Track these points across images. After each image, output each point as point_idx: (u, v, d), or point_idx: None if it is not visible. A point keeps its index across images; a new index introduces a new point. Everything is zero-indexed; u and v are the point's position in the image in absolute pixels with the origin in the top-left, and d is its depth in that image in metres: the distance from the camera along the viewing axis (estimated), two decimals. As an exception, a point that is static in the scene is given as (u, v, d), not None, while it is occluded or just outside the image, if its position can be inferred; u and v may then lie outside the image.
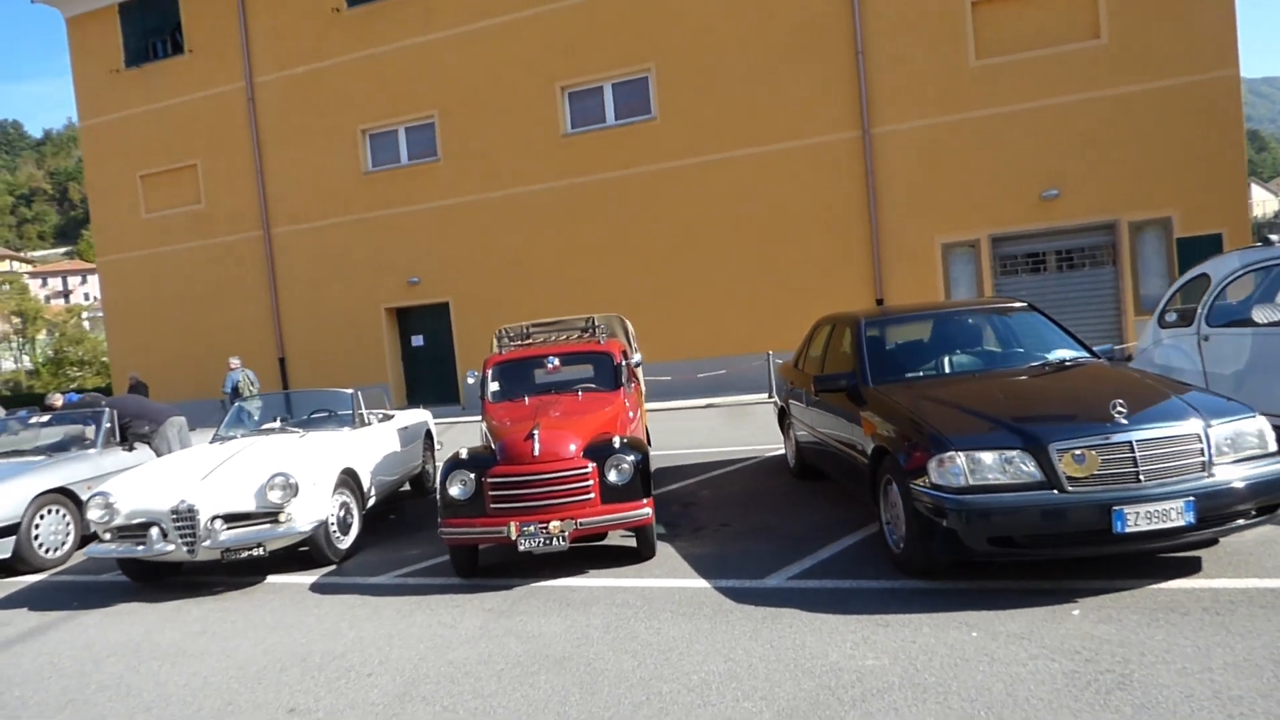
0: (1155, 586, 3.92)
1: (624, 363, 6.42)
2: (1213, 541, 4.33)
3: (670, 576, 4.90)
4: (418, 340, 18.43)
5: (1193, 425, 3.87)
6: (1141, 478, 3.78)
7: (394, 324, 18.41)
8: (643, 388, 8.10)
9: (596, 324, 7.27)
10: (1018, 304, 5.93)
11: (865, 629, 3.77)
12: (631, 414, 6.18)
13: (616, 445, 5.05)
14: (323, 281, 18.48)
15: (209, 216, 19.30)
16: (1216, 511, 3.77)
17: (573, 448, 5.04)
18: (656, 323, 16.10)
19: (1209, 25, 13.18)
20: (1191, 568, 4.11)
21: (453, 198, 17.47)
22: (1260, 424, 3.97)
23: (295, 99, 18.36)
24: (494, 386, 6.40)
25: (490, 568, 5.43)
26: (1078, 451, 3.83)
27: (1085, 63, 13.72)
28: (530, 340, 7.25)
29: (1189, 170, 13.35)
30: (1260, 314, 6.04)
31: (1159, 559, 4.26)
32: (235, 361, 14.12)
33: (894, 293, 14.89)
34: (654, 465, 8.54)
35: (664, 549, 5.52)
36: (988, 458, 3.92)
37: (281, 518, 5.40)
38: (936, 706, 2.99)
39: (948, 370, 5.32)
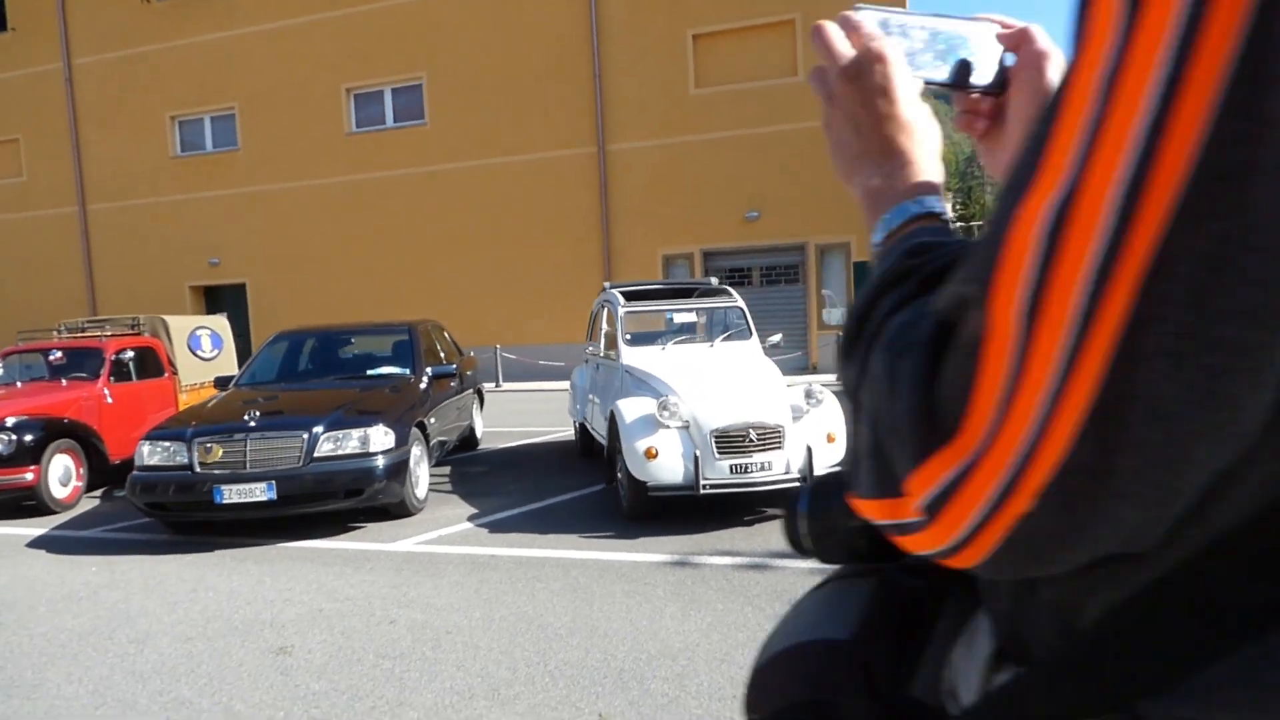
0: (288, 545, 5.43)
1: (116, 358, 7.83)
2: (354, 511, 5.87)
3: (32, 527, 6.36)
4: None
5: (303, 430, 5.37)
6: (248, 466, 5.29)
7: (200, 302, 19.63)
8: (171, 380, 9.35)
9: (140, 323, 8.69)
10: (402, 329, 7.40)
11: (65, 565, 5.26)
12: (111, 400, 7.62)
13: (9, 424, 6.50)
14: (133, 258, 19.64)
15: (30, 190, 20.35)
16: (297, 491, 5.28)
17: (-23, 425, 6.48)
18: (423, 311, 17.42)
19: (885, 72, 14.65)
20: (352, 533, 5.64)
21: (251, 185, 18.68)
22: (369, 432, 5.47)
23: (110, 82, 19.40)
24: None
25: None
26: (208, 445, 5.33)
27: (784, 97, 15.19)
28: (83, 332, 8.65)
29: (865, 201, 14.87)
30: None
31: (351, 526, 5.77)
32: None
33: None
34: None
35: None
36: (159, 446, 5.42)
37: None
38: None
39: (286, 380, 6.80)
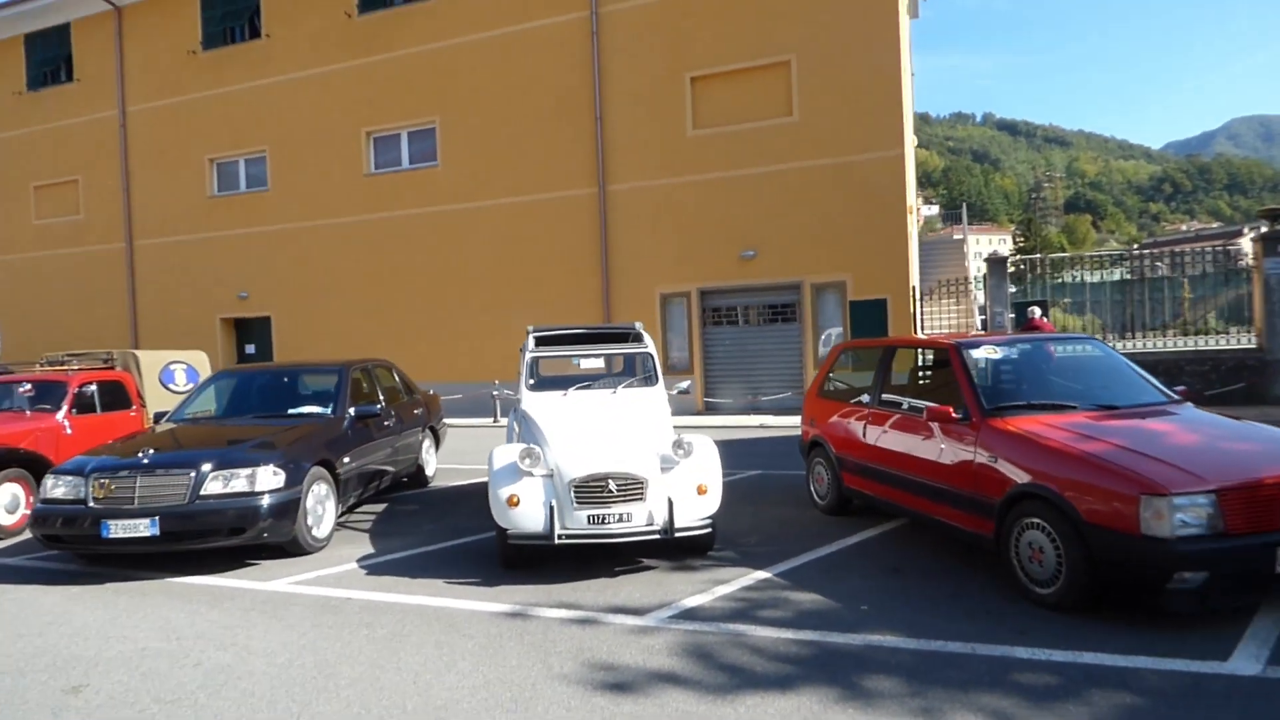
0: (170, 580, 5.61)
1: (79, 391, 8.28)
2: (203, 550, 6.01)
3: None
4: (250, 348, 20.58)
5: (190, 468, 5.57)
6: (136, 501, 5.50)
7: (230, 333, 20.57)
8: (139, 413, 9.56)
9: (113, 357, 9.17)
10: (333, 370, 7.61)
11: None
12: (71, 431, 8.04)
13: (-41, 455, 6.94)
14: (173, 291, 20.74)
15: (86, 226, 21.79)
16: (181, 528, 5.45)
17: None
18: (433, 345, 17.94)
19: (880, 109, 14.56)
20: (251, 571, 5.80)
21: (279, 224, 19.58)
22: (257, 472, 5.63)
23: (158, 127, 20.72)
24: (-23, 402, 8.39)
25: None
26: (102, 480, 5.57)
27: (780, 137, 15.20)
28: (66, 365, 9.18)
29: (861, 240, 14.70)
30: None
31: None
32: None
33: (621, 334, 16.46)
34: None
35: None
36: (61, 480, 5.69)
37: None
38: None
39: (215, 417, 7.07)
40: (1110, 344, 15.32)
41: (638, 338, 6.97)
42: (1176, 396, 5.16)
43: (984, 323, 15.15)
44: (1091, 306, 22.71)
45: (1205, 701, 3.10)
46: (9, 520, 7.23)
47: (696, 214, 15.81)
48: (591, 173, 16.55)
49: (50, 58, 22.17)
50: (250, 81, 19.65)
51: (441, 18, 17.72)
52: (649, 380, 6.64)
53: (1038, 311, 12.45)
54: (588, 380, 6.67)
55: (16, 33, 22.30)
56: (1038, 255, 24.51)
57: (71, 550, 5.85)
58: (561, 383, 6.85)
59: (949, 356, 5.28)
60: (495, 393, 7.58)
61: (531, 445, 5.28)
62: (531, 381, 6.56)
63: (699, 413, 15.79)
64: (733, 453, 10.66)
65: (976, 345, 5.31)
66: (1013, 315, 14.24)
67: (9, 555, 6.62)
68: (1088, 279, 20.42)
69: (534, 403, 6.22)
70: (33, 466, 7.53)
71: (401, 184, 18.39)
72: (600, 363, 6.76)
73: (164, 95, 20.65)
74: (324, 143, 18.94)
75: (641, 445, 5.30)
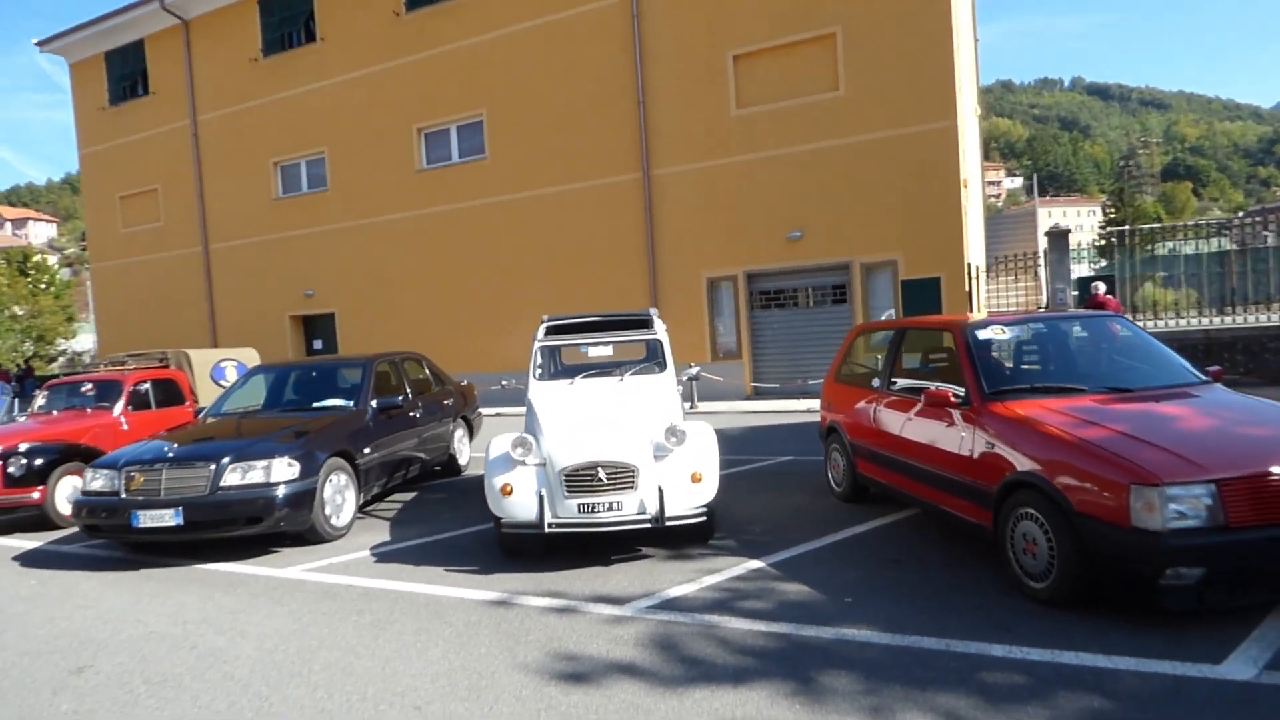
0: (203, 566, 5.91)
1: (134, 389, 8.79)
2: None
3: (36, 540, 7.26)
4: (317, 344, 21.46)
5: (212, 462, 5.84)
6: (163, 493, 5.81)
7: (299, 330, 21.50)
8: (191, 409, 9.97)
9: (167, 357, 9.70)
10: (358, 364, 7.82)
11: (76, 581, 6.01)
12: (127, 427, 8.57)
13: (20, 449, 7.47)
14: (245, 291, 21.81)
15: (166, 233, 23.12)
16: (203, 518, 5.73)
17: None
18: (487, 335, 18.27)
19: (931, 80, 13.91)
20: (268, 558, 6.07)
21: (339, 222, 20.28)
22: (272, 463, 5.85)
23: (226, 134, 21.74)
24: (40, 401, 9.00)
25: None
26: (131, 473, 5.90)
27: (826, 113, 14.73)
28: (125, 365, 9.77)
29: (912, 217, 14.13)
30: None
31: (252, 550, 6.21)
32: None
33: (668, 320, 16.32)
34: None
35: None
36: (99, 473, 6.06)
37: None
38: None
39: (246, 412, 7.38)
40: (1207, 319, 14.15)
41: (648, 324, 6.90)
42: (1205, 378, 4.75)
43: (1047, 300, 14.37)
44: (1188, 280, 20.96)
45: (1181, 706, 2.86)
46: (69, 510, 7.76)
47: (741, 195, 15.53)
48: (635, 158, 16.46)
49: (128, 73, 23.52)
50: (307, 85, 20.36)
51: (485, 10, 17.89)
52: (659, 367, 6.57)
53: (1102, 287, 11.72)
54: (598, 368, 6.64)
55: (97, 51, 23.75)
56: (1126, 227, 22.94)
57: (110, 539, 6.24)
58: (577, 371, 6.87)
59: (954, 337, 5.02)
60: (504, 383, 7.63)
61: (525, 435, 5.31)
62: (539, 370, 6.58)
63: (748, 397, 15.59)
64: (770, 438, 10.49)
65: (983, 325, 5.02)
66: (1075, 292, 13.45)
67: (66, 543, 7.10)
68: (1184, 251, 18.97)
69: (539, 392, 6.25)
70: (91, 460, 8.07)
71: (452, 178, 18.74)
72: (608, 350, 6.73)
73: (230, 103, 21.63)
74: (378, 141, 19.47)
75: (634, 433, 5.25)
